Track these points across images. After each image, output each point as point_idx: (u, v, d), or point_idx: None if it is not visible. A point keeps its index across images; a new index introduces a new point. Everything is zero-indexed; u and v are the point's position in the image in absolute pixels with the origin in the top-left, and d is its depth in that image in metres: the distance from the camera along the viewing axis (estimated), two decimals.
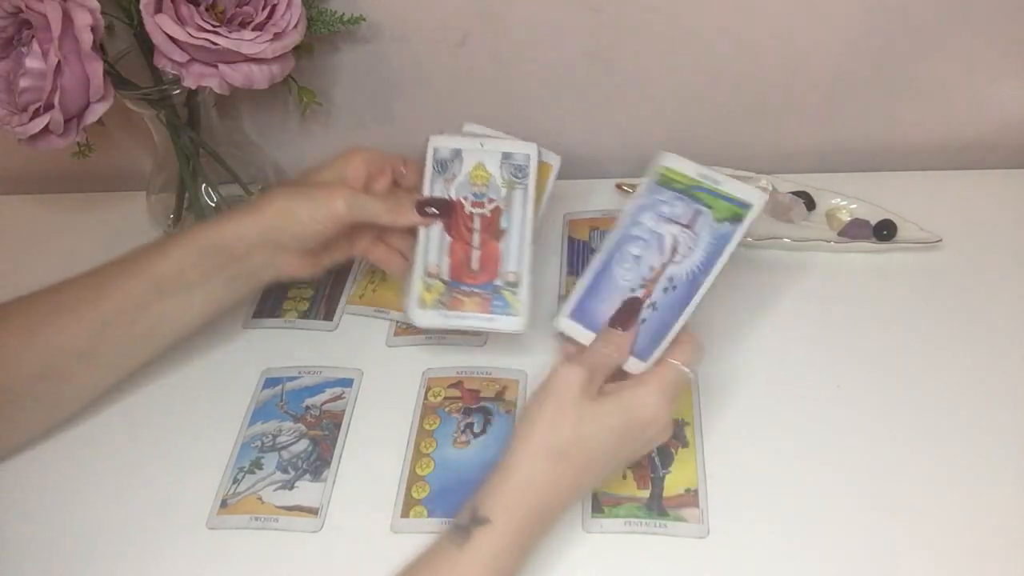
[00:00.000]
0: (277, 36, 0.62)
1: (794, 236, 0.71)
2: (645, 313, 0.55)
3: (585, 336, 0.56)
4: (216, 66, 0.62)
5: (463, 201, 0.62)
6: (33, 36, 0.58)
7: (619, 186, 0.79)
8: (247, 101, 0.81)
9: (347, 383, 0.66)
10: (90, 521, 0.59)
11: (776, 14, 0.69)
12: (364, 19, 0.70)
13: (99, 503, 0.59)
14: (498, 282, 0.60)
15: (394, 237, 0.64)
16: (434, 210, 0.61)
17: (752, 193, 0.56)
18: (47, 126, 0.60)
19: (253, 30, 0.61)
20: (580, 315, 0.56)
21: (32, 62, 0.59)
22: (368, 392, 0.65)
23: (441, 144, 0.63)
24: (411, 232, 0.62)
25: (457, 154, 0.63)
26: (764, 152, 0.79)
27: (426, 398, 0.64)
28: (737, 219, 0.56)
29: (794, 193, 0.73)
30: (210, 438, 0.63)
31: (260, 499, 0.58)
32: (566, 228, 0.76)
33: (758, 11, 0.69)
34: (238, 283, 0.60)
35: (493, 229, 0.61)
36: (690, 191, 0.57)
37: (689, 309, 0.54)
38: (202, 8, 0.60)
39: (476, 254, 0.61)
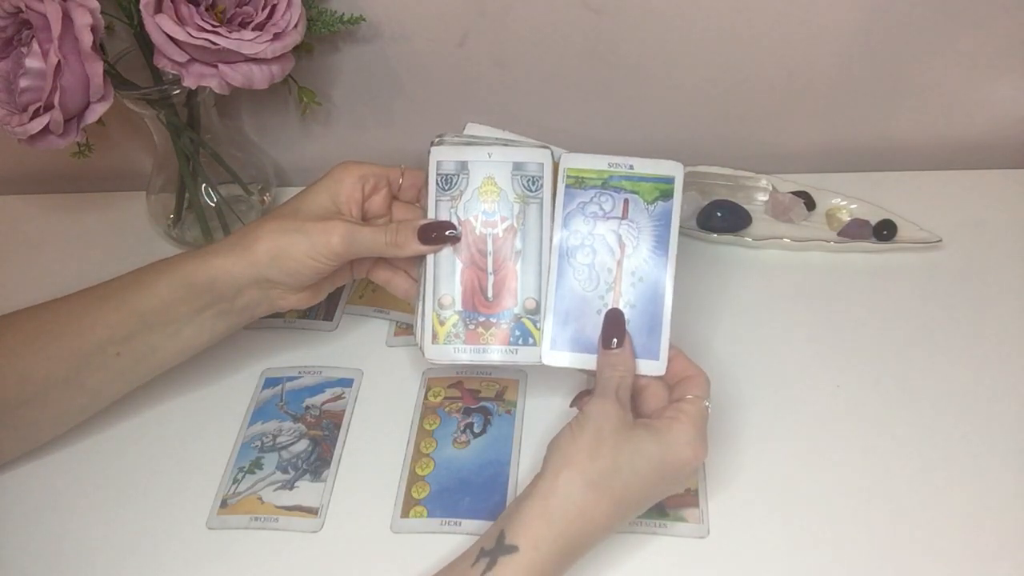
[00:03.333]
0: (277, 36, 0.62)
1: (794, 236, 0.71)
2: (627, 312, 0.54)
3: (578, 360, 0.55)
4: (216, 66, 0.62)
5: (472, 221, 0.56)
6: (33, 36, 0.58)
7: None
8: (247, 101, 0.81)
9: (347, 383, 0.66)
10: (90, 521, 0.58)
11: (776, 14, 0.69)
12: (364, 19, 0.70)
13: (99, 503, 0.59)
14: (517, 310, 0.56)
15: (397, 258, 0.60)
16: (438, 235, 0.56)
17: (668, 165, 0.55)
18: (47, 126, 0.60)
19: (253, 30, 0.61)
20: (562, 343, 0.55)
21: (32, 62, 0.59)
22: (368, 392, 0.65)
23: (445, 156, 0.57)
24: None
25: (463, 167, 0.57)
26: (764, 152, 0.79)
27: (426, 398, 0.64)
28: (667, 195, 0.55)
29: (794, 193, 0.73)
30: (210, 438, 0.62)
31: (260, 499, 0.58)
32: None
33: (758, 11, 0.69)
34: (230, 319, 0.58)
35: (507, 251, 0.56)
36: (608, 183, 0.55)
37: (669, 297, 0.54)
38: (202, 8, 0.60)
39: (491, 280, 0.56)
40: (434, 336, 0.56)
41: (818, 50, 0.71)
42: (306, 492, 0.59)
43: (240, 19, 0.62)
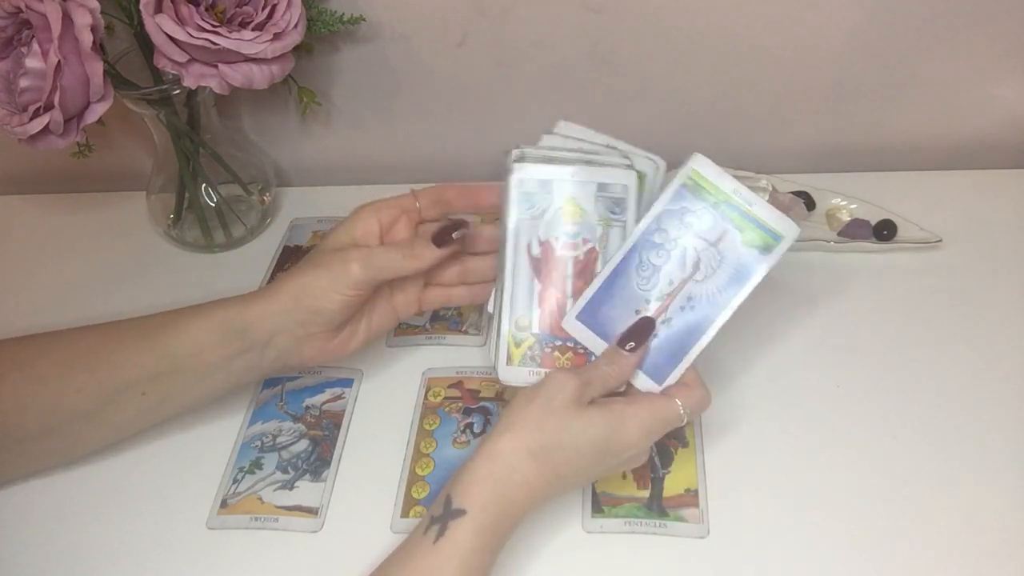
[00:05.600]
0: (277, 36, 0.62)
1: None
2: (660, 329, 0.53)
3: (590, 339, 0.54)
4: (216, 66, 0.62)
5: (553, 243, 0.54)
6: (33, 36, 0.58)
7: None
8: (247, 101, 0.81)
9: (347, 383, 0.66)
10: (90, 521, 0.59)
11: (776, 14, 0.69)
12: (364, 19, 0.70)
13: (99, 503, 0.59)
14: None
15: (441, 274, 0.60)
16: (452, 236, 0.55)
17: (785, 224, 0.53)
18: (47, 126, 0.60)
19: (253, 30, 0.61)
20: (588, 317, 0.54)
21: (32, 62, 0.59)
22: (368, 392, 0.65)
23: (528, 176, 0.55)
24: (455, 261, 0.59)
25: (545, 187, 0.55)
26: (764, 152, 0.79)
27: (426, 398, 0.64)
28: (766, 249, 0.52)
29: (794, 193, 0.73)
30: (210, 438, 0.62)
31: (260, 499, 0.58)
32: None
33: (758, 11, 0.69)
34: (259, 369, 0.57)
35: (588, 275, 0.54)
36: (719, 206, 0.53)
37: (707, 337, 0.52)
38: (202, 8, 0.60)
39: (570, 303, 0.54)
40: (509, 358, 0.54)
41: (818, 50, 0.71)
42: (306, 492, 0.59)
43: (240, 19, 0.62)
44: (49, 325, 0.60)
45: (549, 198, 0.55)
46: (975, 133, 0.77)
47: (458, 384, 0.64)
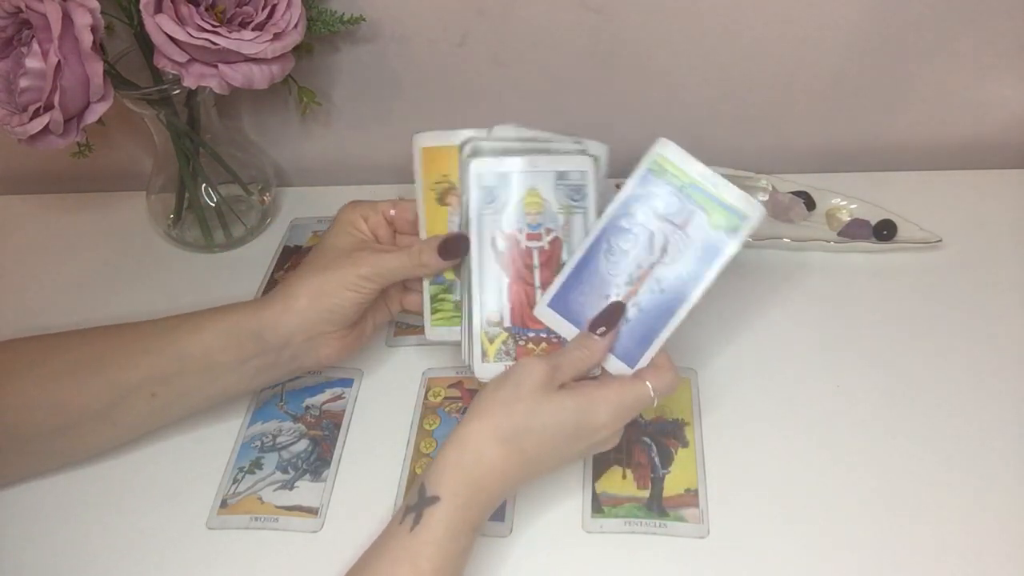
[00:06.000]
0: (277, 36, 0.62)
1: (794, 236, 0.71)
2: (630, 312, 0.53)
3: (562, 326, 0.54)
4: (216, 66, 0.62)
5: (517, 234, 0.55)
6: (33, 36, 0.58)
7: (619, 186, 0.79)
8: (247, 101, 0.81)
9: (347, 383, 0.66)
10: (91, 521, 0.59)
11: (776, 14, 0.69)
12: (364, 19, 0.70)
13: (99, 503, 0.59)
14: None
15: (417, 282, 0.60)
16: (455, 249, 0.56)
17: (750, 204, 0.53)
18: (47, 126, 0.60)
19: (253, 30, 0.61)
20: (559, 304, 0.54)
21: (32, 62, 0.59)
22: (368, 392, 0.65)
23: (485, 169, 0.55)
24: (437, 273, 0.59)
25: (504, 179, 0.55)
26: (764, 152, 0.79)
27: (426, 398, 0.64)
28: (733, 230, 0.53)
29: (794, 193, 0.73)
30: (210, 438, 0.63)
31: (260, 499, 0.58)
32: None
33: (758, 11, 0.69)
34: (273, 372, 0.58)
35: (554, 264, 0.55)
36: (685, 189, 0.54)
37: (677, 319, 0.53)
38: (202, 8, 0.60)
39: (538, 294, 0.55)
40: (484, 354, 0.55)
41: (818, 50, 0.71)
42: (306, 492, 0.59)
43: (240, 19, 0.62)
44: (49, 325, 0.60)
45: (508, 190, 0.55)
46: (975, 133, 0.77)
47: (458, 384, 0.64)
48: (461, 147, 0.56)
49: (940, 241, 0.69)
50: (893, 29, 0.70)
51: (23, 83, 0.59)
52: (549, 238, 0.55)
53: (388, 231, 0.60)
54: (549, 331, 0.55)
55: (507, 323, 0.55)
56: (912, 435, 0.58)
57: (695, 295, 0.53)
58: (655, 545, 0.54)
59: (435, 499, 0.47)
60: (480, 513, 0.49)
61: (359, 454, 0.61)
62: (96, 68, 0.59)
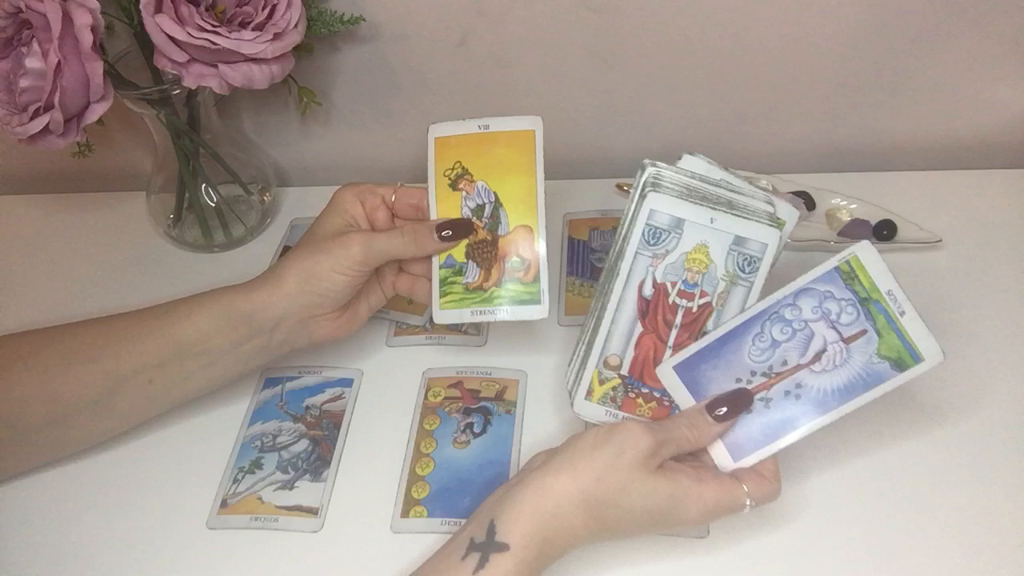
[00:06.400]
0: (277, 36, 0.62)
1: (794, 236, 0.70)
2: (756, 405, 0.50)
3: (680, 392, 0.51)
4: (216, 66, 0.62)
5: (669, 287, 0.51)
6: (33, 36, 0.58)
7: (619, 186, 0.79)
8: (247, 101, 0.81)
9: (347, 383, 0.66)
10: (90, 521, 0.59)
11: (776, 14, 0.69)
12: (364, 19, 0.70)
13: (99, 503, 0.59)
14: None
15: (413, 265, 0.60)
16: (451, 232, 0.56)
17: (931, 349, 0.48)
18: (47, 126, 0.60)
19: (253, 30, 0.61)
20: (686, 370, 0.51)
21: (32, 62, 0.59)
22: (368, 392, 0.65)
23: (661, 208, 0.50)
24: (428, 258, 0.59)
25: (678, 225, 0.51)
26: (764, 152, 0.79)
27: (426, 398, 0.64)
28: (899, 365, 0.48)
29: (794, 193, 0.73)
30: (210, 438, 0.63)
31: (260, 499, 0.58)
32: (566, 228, 0.76)
33: (758, 11, 0.69)
34: (267, 353, 0.58)
35: (695, 329, 0.51)
36: (868, 303, 0.49)
37: (801, 432, 0.49)
38: (202, 8, 0.60)
39: (668, 353, 0.51)
40: (589, 392, 0.52)
41: (818, 50, 0.71)
42: (306, 492, 0.59)
43: (240, 19, 0.62)
44: (49, 325, 0.59)
45: (678, 239, 0.51)
46: (975, 133, 0.77)
47: (458, 384, 0.64)
48: (643, 167, 0.52)
49: (940, 241, 0.69)
50: (893, 29, 0.70)
51: (23, 83, 0.59)
52: (701, 301, 0.51)
53: (386, 214, 0.60)
54: (664, 392, 0.52)
55: (624, 371, 0.52)
56: (911, 434, 0.58)
57: (830, 417, 0.49)
58: (655, 545, 0.54)
59: (505, 546, 0.45)
60: (542, 567, 0.47)
61: (359, 454, 0.61)
62: (96, 68, 0.59)
